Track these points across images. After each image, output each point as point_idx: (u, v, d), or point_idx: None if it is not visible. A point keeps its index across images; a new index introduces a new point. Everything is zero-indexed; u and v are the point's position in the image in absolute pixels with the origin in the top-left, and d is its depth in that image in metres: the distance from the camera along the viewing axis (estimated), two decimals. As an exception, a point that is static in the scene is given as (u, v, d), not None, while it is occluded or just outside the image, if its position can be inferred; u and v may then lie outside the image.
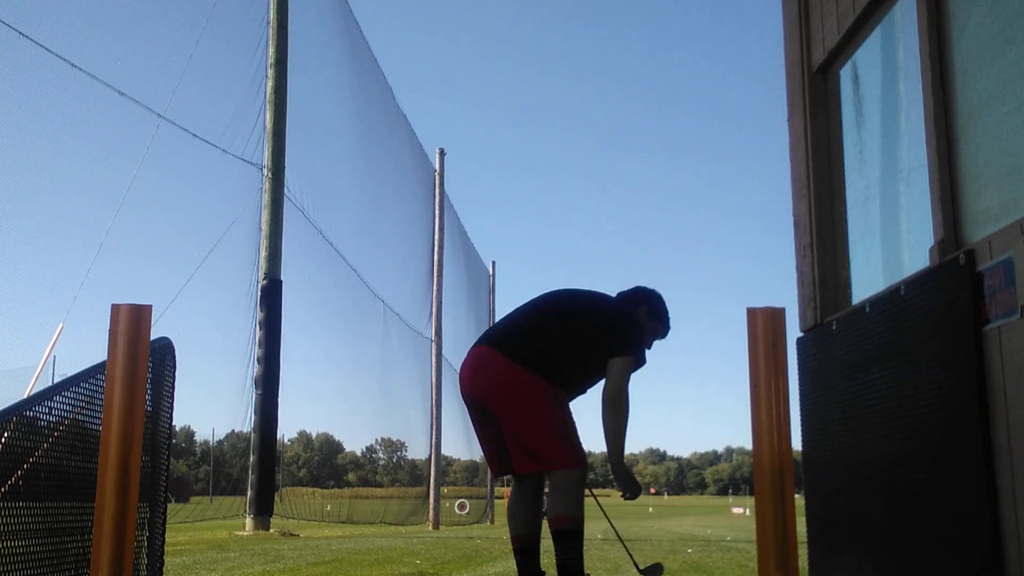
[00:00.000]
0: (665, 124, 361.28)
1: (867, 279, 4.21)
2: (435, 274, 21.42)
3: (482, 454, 5.84)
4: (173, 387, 4.17)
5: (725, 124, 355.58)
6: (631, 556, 4.31)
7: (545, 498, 3.95)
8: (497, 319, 4.93)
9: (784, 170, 4.87)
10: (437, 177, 21.84)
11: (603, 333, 3.95)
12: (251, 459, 12.57)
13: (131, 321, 2.12)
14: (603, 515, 4.60)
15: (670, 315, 4.20)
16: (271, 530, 12.37)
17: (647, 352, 4.07)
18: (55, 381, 6.27)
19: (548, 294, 4.19)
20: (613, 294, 4.20)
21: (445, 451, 23.55)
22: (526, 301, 4.16)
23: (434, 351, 21.31)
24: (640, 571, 4.06)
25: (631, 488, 3.98)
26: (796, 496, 2.31)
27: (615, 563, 7.46)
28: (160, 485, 4.09)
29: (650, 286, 4.23)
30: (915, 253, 3.75)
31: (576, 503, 3.75)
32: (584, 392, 4.05)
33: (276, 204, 13.13)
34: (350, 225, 17.04)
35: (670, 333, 4.23)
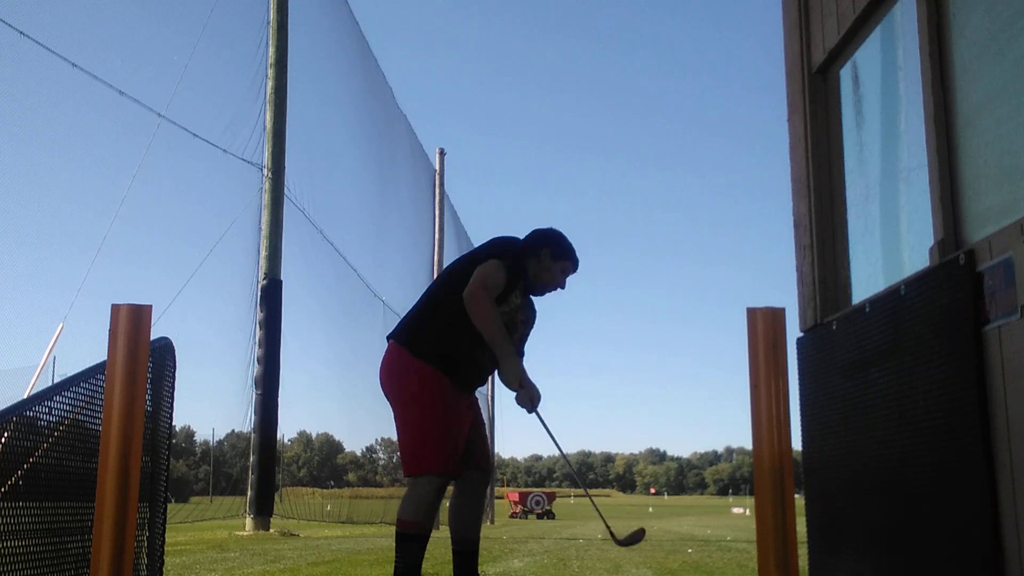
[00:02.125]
0: (661, 134, 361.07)
1: (867, 279, 4.21)
2: (435, 274, 21.41)
3: None
4: (173, 387, 4.18)
5: (721, 133, 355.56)
6: (608, 527, 4.20)
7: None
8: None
9: (783, 173, 4.88)
10: (437, 177, 21.85)
11: (472, 260, 3.85)
12: (251, 459, 12.57)
13: (131, 321, 2.11)
14: (588, 498, 4.58)
15: (574, 248, 4.07)
16: (271, 530, 12.36)
17: (563, 290, 4.03)
18: (55, 381, 6.27)
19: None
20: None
21: (445, 451, 23.46)
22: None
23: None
24: (618, 542, 3.92)
25: (523, 395, 3.74)
26: (796, 496, 2.31)
27: (615, 563, 7.46)
28: (160, 485, 4.09)
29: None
30: (915, 253, 3.75)
31: (412, 510, 3.65)
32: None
33: (276, 204, 13.13)
34: (350, 225, 17.06)
35: (580, 266, 4.11)
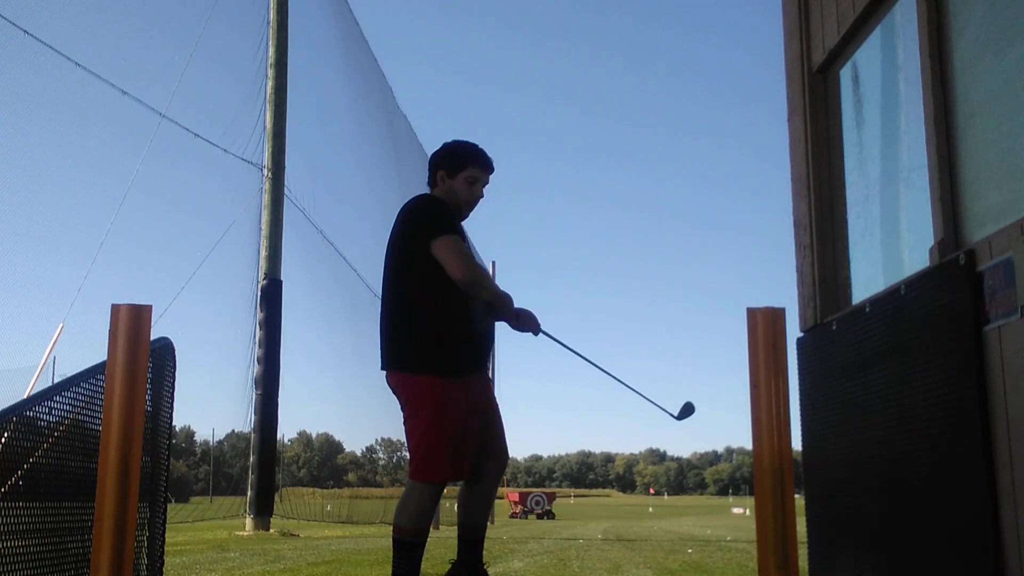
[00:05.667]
0: (659, 140, 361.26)
1: (867, 279, 4.21)
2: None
3: None
4: (173, 387, 4.18)
5: (719, 136, 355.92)
6: (660, 406, 3.91)
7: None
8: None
9: (783, 173, 4.88)
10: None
11: (407, 240, 3.72)
12: (251, 459, 12.58)
13: (131, 321, 2.11)
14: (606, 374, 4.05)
15: (474, 146, 3.85)
16: (271, 530, 12.37)
17: (481, 198, 3.84)
18: (55, 381, 6.27)
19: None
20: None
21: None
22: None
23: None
24: (676, 417, 3.81)
25: (522, 322, 3.74)
26: (796, 496, 2.31)
27: (615, 563, 7.46)
28: (160, 485, 4.10)
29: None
30: (915, 253, 3.75)
31: (409, 516, 3.58)
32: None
33: (276, 204, 13.14)
34: (350, 225, 17.07)
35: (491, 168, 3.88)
